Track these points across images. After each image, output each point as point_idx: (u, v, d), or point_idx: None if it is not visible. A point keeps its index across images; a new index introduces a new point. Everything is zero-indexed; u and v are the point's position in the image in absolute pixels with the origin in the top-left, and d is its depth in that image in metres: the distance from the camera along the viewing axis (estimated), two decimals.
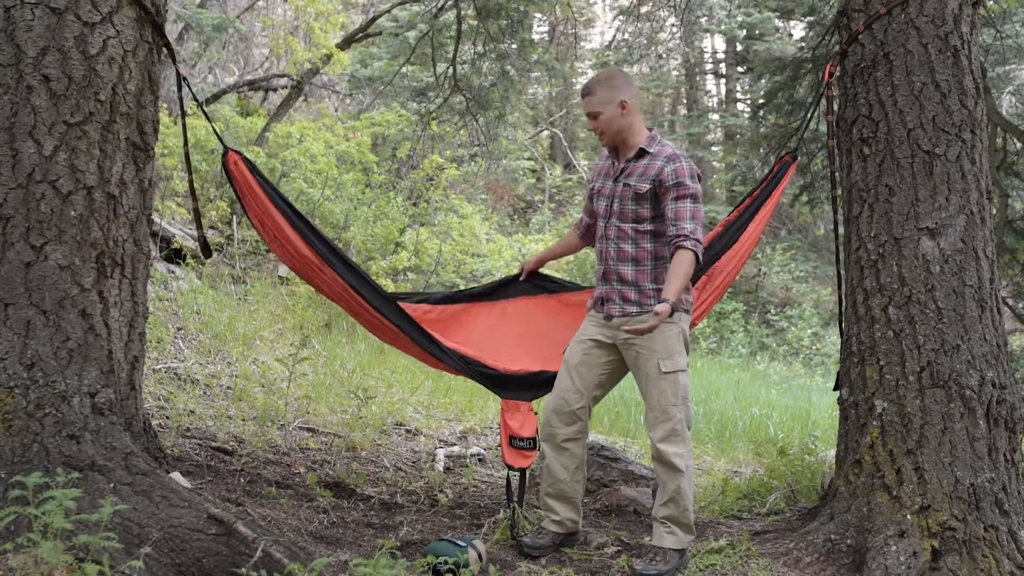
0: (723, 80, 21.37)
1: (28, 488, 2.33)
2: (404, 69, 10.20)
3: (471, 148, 13.86)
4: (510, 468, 3.56)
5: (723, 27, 16.10)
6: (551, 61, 13.66)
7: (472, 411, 6.09)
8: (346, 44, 12.10)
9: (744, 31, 16.85)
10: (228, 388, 5.26)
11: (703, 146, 19.09)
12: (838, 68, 3.54)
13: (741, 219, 3.77)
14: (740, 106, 19.36)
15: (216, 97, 11.78)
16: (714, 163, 19.44)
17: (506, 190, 17.45)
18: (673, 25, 11.11)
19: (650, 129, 3.36)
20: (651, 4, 10.32)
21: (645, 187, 3.23)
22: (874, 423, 3.23)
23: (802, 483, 4.24)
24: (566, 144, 20.15)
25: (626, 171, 3.32)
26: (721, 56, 21.16)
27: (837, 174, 3.58)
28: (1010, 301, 5.80)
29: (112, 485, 2.62)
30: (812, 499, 4.03)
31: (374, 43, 12.73)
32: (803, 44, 9.13)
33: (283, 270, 8.82)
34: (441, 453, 4.87)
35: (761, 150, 6.88)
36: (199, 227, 3.47)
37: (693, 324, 3.46)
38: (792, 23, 16.46)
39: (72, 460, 2.61)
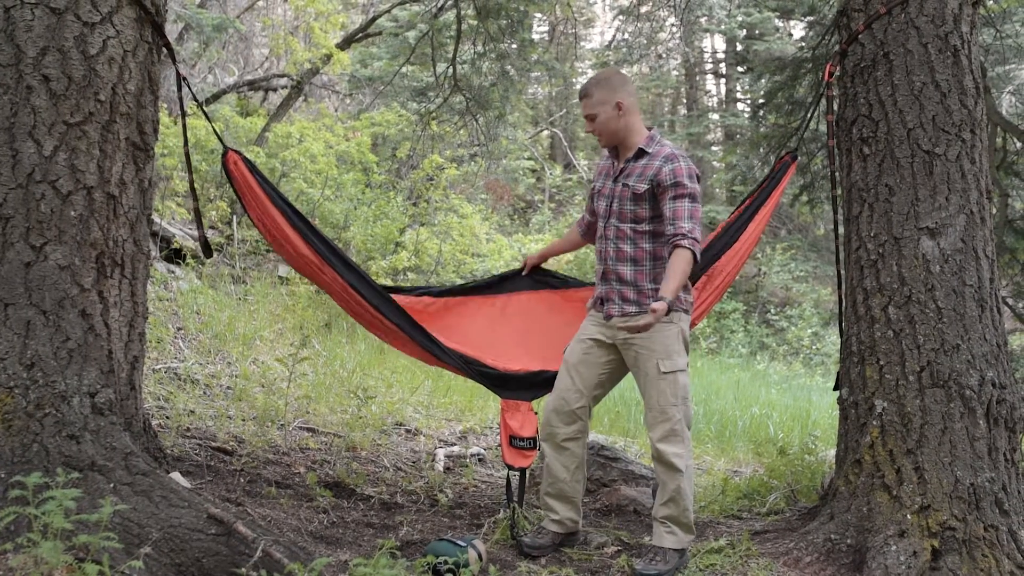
0: (723, 80, 21.37)
1: (28, 488, 2.33)
2: (404, 69, 10.20)
3: (471, 148, 13.86)
4: (510, 468, 3.56)
5: (723, 27, 16.11)
6: (551, 61, 13.66)
7: (472, 411, 6.09)
8: (346, 44, 12.10)
9: (744, 31, 16.85)
10: (228, 388, 5.26)
11: (703, 146, 19.08)
12: (838, 68, 3.54)
13: (741, 219, 3.77)
14: (740, 106, 19.36)
15: (216, 97, 11.79)
16: (714, 163, 19.43)
17: (506, 190, 17.45)
18: (673, 25, 11.11)
19: (650, 128, 3.36)
20: (651, 4, 10.32)
21: (643, 187, 3.23)
22: (874, 423, 3.23)
23: (802, 483, 4.24)
24: (566, 144, 20.15)
25: (625, 171, 3.32)
26: (721, 56, 21.16)
27: (837, 174, 3.58)
28: (1010, 301, 5.80)
29: (112, 485, 2.62)
30: (812, 499, 4.03)
31: (374, 43, 12.72)
32: (803, 44, 9.13)
33: (283, 270, 8.82)
34: (441, 453, 4.87)
35: (761, 150, 6.88)
36: (200, 227, 3.47)
37: (693, 324, 3.46)
38: (792, 23, 16.46)
39: (72, 460, 2.61)
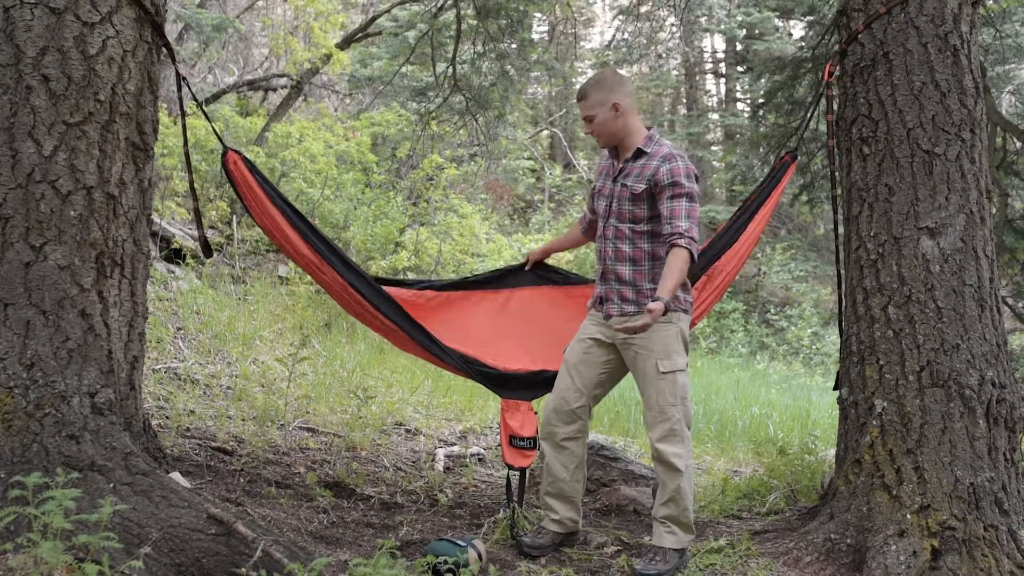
0: (723, 80, 21.37)
1: (28, 488, 2.33)
2: (404, 69, 10.20)
3: (471, 148, 13.86)
4: (510, 468, 3.56)
5: (723, 27, 16.11)
6: (551, 61, 13.65)
7: (472, 411, 6.09)
8: (346, 44, 12.10)
9: (744, 31, 16.85)
10: (228, 388, 5.26)
11: (703, 146, 19.09)
12: (838, 67, 3.54)
13: (741, 219, 3.77)
14: (740, 106, 19.36)
15: (216, 97, 11.79)
16: (714, 163, 19.43)
17: (506, 190, 17.45)
18: (673, 25, 11.11)
19: (649, 128, 3.36)
20: (651, 4, 10.32)
21: (641, 187, 3.23)
22: (874, 422, 3.23)
23: (802, 483, 4.24)
24: (566, 144, 20.15)
25: (624, 171, 3.32)
26: (721, 56, 21.16)
27: (837, 173, 3.57)
28: (1010, 300, 5.80)
29: (112, 485, 2.62)
30: (812, 499, 4.03)
31: (374, 43, 12.72)
32: (803, 43, 9.13)
33: (283, 270, 8.83)
34: (441, 453, 4.87)
35: (761, 149, 6.87)
36: (200, 227, 3.48)
37: (693, 324, 3.46)
38: (792, 22, 16.46)
39: (72, 460, 2.61)
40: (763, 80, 11.10)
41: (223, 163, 3.42)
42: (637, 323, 3.05)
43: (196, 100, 4.09)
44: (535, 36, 16.45)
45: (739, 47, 18.11)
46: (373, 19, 11.95)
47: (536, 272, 3.95)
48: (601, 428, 6.31)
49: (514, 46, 8.49)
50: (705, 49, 21.20)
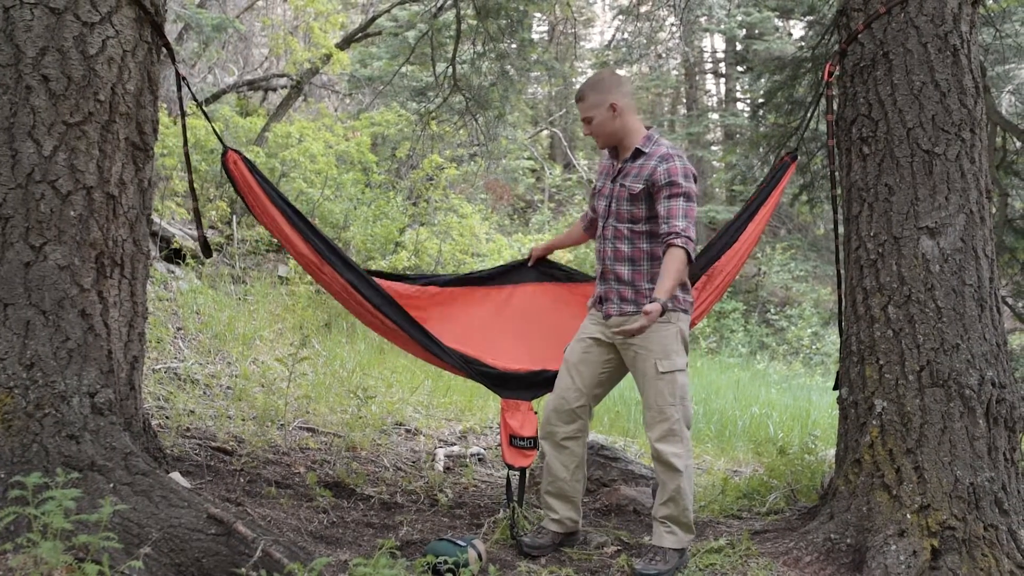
0: (723, 79, 21.37)
1: (28, 488, 2.33)
2: (403, 69, 10.20)
3: (471, 148, 13.86)
4: (510, 468, 3.56)
5: (723, 26, 16.11)
6: (551, 61, 13.65)
7: (472, 411, 6.09)
8: (346, 44, 12.10)
9: (744, 30, 16.85)
10: (228, 388, 5.26)
11: (703, 145, 19.09)
12: (837, 67, 3.54)
13: (740, 219, 3.77)
14: (740, 105, 19.36)
15: (216, 97, 11.79)
16: (714, 162, 19.44)
17: (506, 190, 17.45)
18: (672, 24, 11.11)
19: (648, 128, 3.36)
20: (651, 3, 10.33)
21: (639, 187, 3.23)
22: (874, 422, 3.23)
23: (802, 482, 4.24)
24: (566, 144, 20.15)
25: (623, 172, 3.32)
26: (721, 55, 21.16)
27: (837, 173, 3.57)
28: (1010, 300, 5.80)
29: (112, 485, 2.62)
30: (812, 498, 4.03)
31: (373, 43, 12.72)
32: (803, 43, 9.13)
33: (283, 270, 8.83)
34: (441, 453, 4.87)
35: (761, 149, 6.87)
36: (199, 227, 3.48)
37: (693, 324, 3.46)
38: (791, 22, 16.46)
39: (72, 460, 2.61)
40: (763, 80, 11.10)
41: (223, 163, 3.43)
42: (633, 326, 3.05)
43: (196, 100, 4.09)
44: (535, 36, 16.45)
45: (739, 47, 18.11)
46: (373, 19, 11.96)
47: (539, 268, 3.95)
48: (601, 428, 6.31)
49: (514, 46, 8.50)
50: (705, 49, 21.20)
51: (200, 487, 3.45)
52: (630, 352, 3.26)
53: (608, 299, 3.35)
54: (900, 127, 3.28)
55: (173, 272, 7.53)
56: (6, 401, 2.62)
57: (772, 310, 16.07)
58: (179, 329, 6.14)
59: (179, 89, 3.33)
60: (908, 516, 3.05)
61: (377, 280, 3.73)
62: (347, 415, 5.14)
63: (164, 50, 3.13)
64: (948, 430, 3.09)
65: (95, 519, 2.32)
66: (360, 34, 12.31)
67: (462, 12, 7.24)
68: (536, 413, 3.60)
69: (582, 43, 21.51)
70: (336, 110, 14.92)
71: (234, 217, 9.13)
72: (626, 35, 11.08)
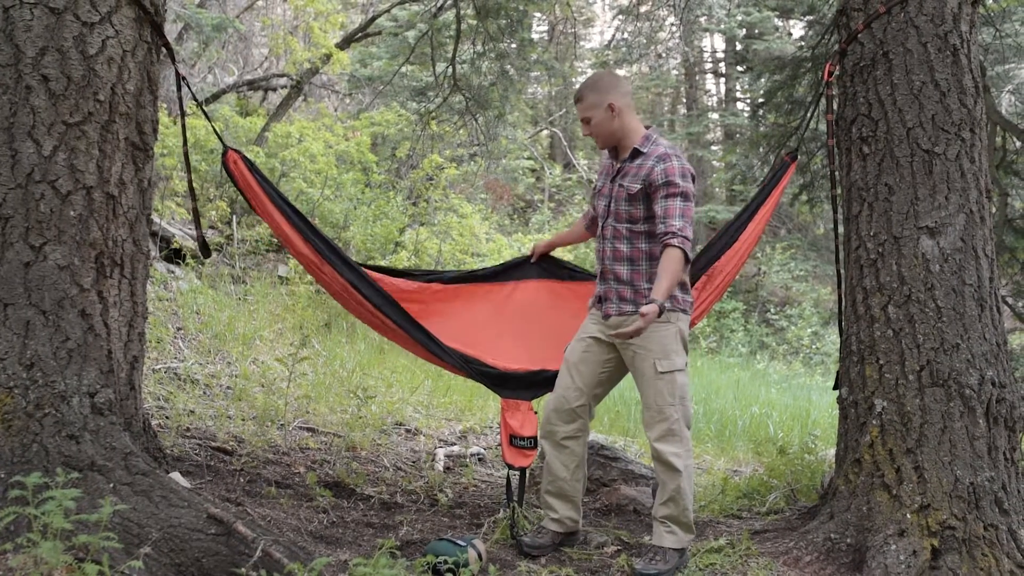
0: (723, 79, 21.37)
1: (28, 488, 2.33)
2: (403, 69, 10.20)
3: (471, 148, 13.86)
4: (510, 467, 3.56)
5: (722, 26, 16.11)
6: (550, 61, 13.66)
7: (472, 410, 6.09)
8: (345, 44, 12.10)
9: (743, 30, 16.85)
10: (228, 388, 5.26)
11: (703, 145, 19.09)
12: (837, 67, 3.54)
13: (740, 219, 3.78)
14: (740, 105, 19.36)
15: (215, 97, 11.79)
16: (714, 162, 19.44)
17: (506, 189, 17.46)
18: (672, 24, 11.11)
19: (648, 127, 3.36)
20: (650, 3, 10.33)
21: (636, 187, 3.23)
22: (874, 422, 3.23)
23: (802, 482, 4.24)
24: (566, 143, 20.15)
25: (621, 172, 3.32)
26: (721, 55, 21.16)
27: (837, 173, 3.57)
28: (1010, 300, 5.80)
29: (112, 485, 2.62)
30: (812, 498, 4.03)
31: (373, 43, 12.72)
32: (802, 43, 9.13)
33: (283, 270, 8.82)
34: (441, 453, 4.87)
35: (761, 149, 6.88)
36: (198, 227, 3.48)
37: (693, 324, 3.46)
38: (791, 22, 16.46)
39: (72, 460, 2.61)
40: (763, 80, 11.10)
41: (223, 162, 3.43)
42: (629, 329, 3.05)
43: (196, 100, 4.09)
44: (535, 36, 16.45)
45: (739, 47, 18.11)
46: (373, 19, 11.96)
47: (541, 265, 3.95)
48: (601, 428, 6.31)
49: (514, 46, 8.50)
50: (705, 49, 21.20)
51: (200, 487, 3.45)
52: (629, 352, 3.26)
53: (607, 299, 3.35)
54: (900, 127, 3.28)
55: (173, 272, 7.53)
56: (6, 401, 2.62)
57: (772, 310, 16.07)
58: (179, 329, 6.14)
59: (179, 89, 3.33)
60: (908, 516, 3.05)
61: (379, 276, 3.73)
62: (347, 415, 5.14)
63: (164, 50, 3.13)
64: (948, 430, 3.09)
65: (95, 519, 2.32)
66: (360, 34, 12.31)
67: (462, 12, 7.24)
68: (536, 413, 3.60)
69: (582, 43, 21.52)
70: (336, 110, 14.92)
71: (234, 217, 9.13)
72: (626, 35, 11.09)
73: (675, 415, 3.20)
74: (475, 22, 7.32)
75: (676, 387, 3.20)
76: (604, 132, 3.32)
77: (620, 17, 11.00)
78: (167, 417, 4.40)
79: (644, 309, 3.01)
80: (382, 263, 9.17)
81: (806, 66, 5.75)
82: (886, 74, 3.32)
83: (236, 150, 3.46)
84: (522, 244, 12.33)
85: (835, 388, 3.53)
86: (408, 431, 5.32)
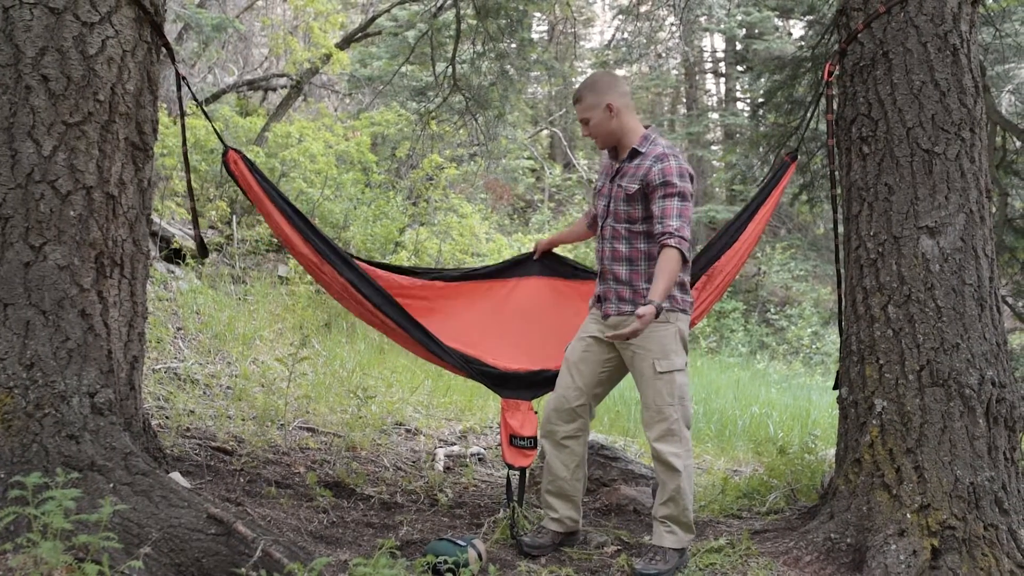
0: (723, 79, 21.37)
1: (28, 488, 2.33)
2: (403, 68, 10.21)
3: (470, 147, 13.87)
4: (510, 467, 3.56)
5: (722, 26, 16.12)
6: (550, 60, 13.65)
7: (472, 410, 6.09)
8: (345, 44, 12.10)
9: (743, 30, 16.85)
10: (228, 388, 5.26)
11: (703, 145, 19.09)
12: (837, 67, 3.54)
13: (740, 219, 3.78)
14: (740, 105, 19.36)
15: (215, 97, 11.79)
16: (714, 162, 19.44)
17: (505, 189, 17.46)
18: (672, 24, 11.11)
19: (647, 127, 3.35)
20: (650, 3, 10.33)
21: (634, 187, 3.23)
22: (874, 422, 3.23)
23: (802, 482, 4.24)
24: (565, 143, 20.15)
25: (620, 172, 3.32)
26: (720, 55, 21.16)
27: (837, 173, 3.58)
28: (1009, 299, 5.80)
29: (112, 485, 2.62)
30: (812, 498, 4.03)
31: (373, 43, 12.72)
32: (802, 43, 9.13)
33: (283, 270, 8.82)
34: (441, 453, 4.87)
35: (761, 149, 6.88)
36: (196, 227, 3.48)
37: (693, 324, 3.46)
38: (791, 22, 16.46)
39: (72, 460, 2.61)
40: (763, 80, 11.10)
41: (224, 162, 3.43)
42: (626, 331, 3.05)
43: (196, 100, 4.09)
44: (535, 36, 16.45)
45: (739, 46, 18.11)
46: (373, 19, 11.96)
47: (544, 262, 3.95)
48: (601, 428, 6.31)
49: (514, 46, 8.50)
50: (705, 49, 21.20)
51: (200, 487, 3.45)
52: (628, 352, 3.26)
53: (607, 299, 3.35)
54: (900, 126, 3.28)
55: (173, 272, 7.53)
56: (6, 401, 2.62)
57: (772, 310, 16.07)
58: (179, 329, 6.14)
59: (179, 89, 3.33)
60: (908, 516, 3.05)
61: (381, 273, 3.73)
62: (347, 415, 5.14)
63: (164, 50, 3.13)
64: (948, 429, 3.09)
65: (95, 519, 2.32)
66: (360, 34, 12.32)
67: (462, 12, 7.24)
68: (536, 413, 3.60)
69: (582, 43, 21.52)
70: (336, 110, 14.92)
71: (234, 217, 9.13)
72: (626, 35, 11.09)
73: (674, 415, 3.20)
74: (475, 22, 7.32)
75: (675, 387, 3.20)
76: (603, 132, 3.32)
77: (620, 17, 11.01)
78: (167, 417, 4.40)
79: (640, 311, 3.00)
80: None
81: (806, 66, 5.75)
82: (886, 74, 3.32)
83: (236, 150, 3.46)
84: (522, 244, 12.33)
85: (835, 388, 3.53)
86: (408, 431, 5.32)
